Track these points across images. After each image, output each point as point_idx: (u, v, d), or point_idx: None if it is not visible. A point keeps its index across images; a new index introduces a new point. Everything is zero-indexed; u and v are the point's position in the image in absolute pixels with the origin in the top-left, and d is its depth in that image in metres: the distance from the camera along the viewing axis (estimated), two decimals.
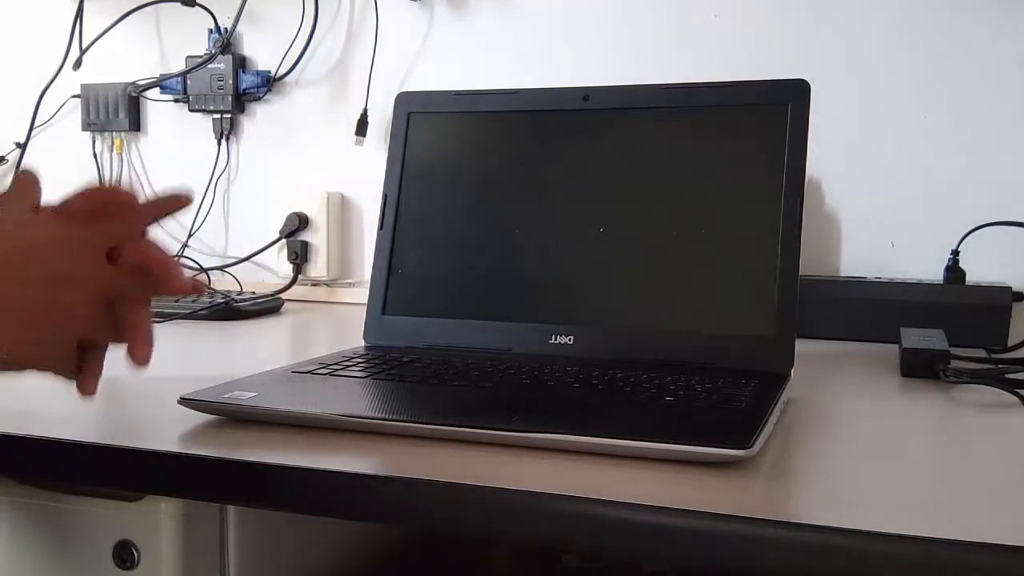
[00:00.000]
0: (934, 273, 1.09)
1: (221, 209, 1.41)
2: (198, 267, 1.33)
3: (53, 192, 0.62)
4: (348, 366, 0.74)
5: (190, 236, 1.41)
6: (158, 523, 0.60)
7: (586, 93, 0.84)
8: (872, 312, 1.02)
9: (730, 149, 0.79)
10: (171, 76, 1.39)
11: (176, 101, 1.42)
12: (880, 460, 0.56)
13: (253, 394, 0.64)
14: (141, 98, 1.44)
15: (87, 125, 1.46)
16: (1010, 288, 1.00)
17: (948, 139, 1.09)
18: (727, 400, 0.63)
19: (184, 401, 0.63)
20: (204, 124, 1.41)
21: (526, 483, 0.50)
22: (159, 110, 1.44)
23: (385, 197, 0.87)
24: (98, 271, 0.57)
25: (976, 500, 0.49)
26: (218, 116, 1.39)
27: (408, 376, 0.71)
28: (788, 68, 1.13)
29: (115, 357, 0.87)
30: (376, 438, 0.59)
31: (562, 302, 0.80)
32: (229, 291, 1.25)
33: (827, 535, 0.45)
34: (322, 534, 0.79)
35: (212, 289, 1.27)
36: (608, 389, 0.67)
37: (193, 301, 1.13)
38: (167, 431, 0.60)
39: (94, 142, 1.47)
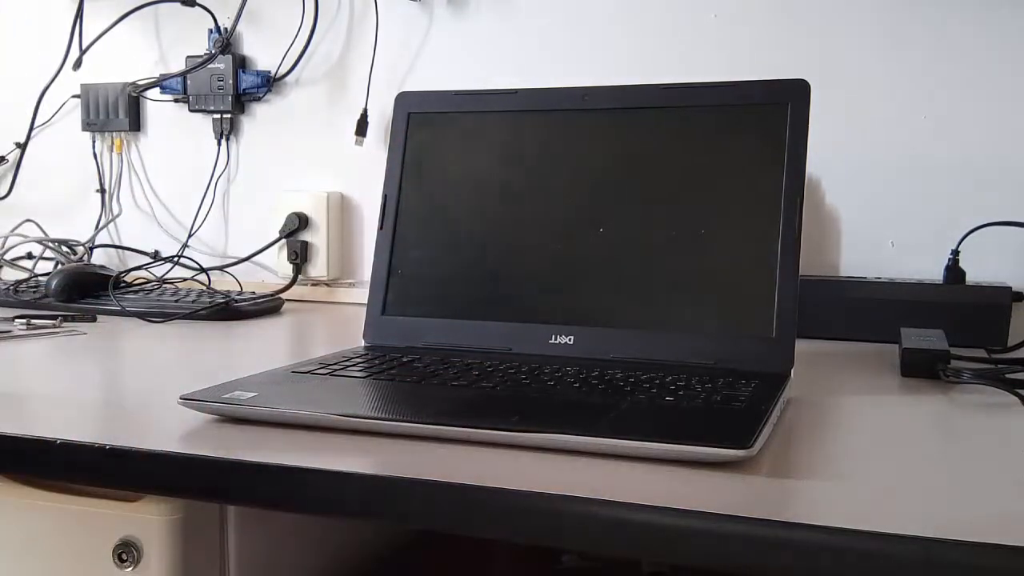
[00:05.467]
0: (934, 273, 1.09)
1: (221, 209, 1.41)
2: (198, 267, 1.33)
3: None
4: (348, 366, 0.74)
5: (190, 236, 1.41)
6: (158, 523, 0.60)
7: (586, 93, 0.84)
8: (872, 312, 1.02)
9: (730, 149, 0.79)
10: (171, 76, 1.39)
11: (176, 101, 1.42)
12: (880, 460, 0.56)
13: (253, 394, 0.64)
14: (141, 98, 1.44)
15: (87, 125, 1.46)
16: (1010, 288, 1.00)
17: (948, 139, 1.09)
18: (727, 400, 0.63)
19: (184, 401, 0.63)
20: (204, 124, 1.41)
21: (526, 483, 0.50)
22: (159, 110, 1.44)
23: (385, 197, 0.87)
24: None
25: (976, 500, 0.49)
26: (218, 116, 1.39)
27: (408, 376, 0.71)
28: (788, 68, 1.13)
29: (114, 356, 0.87)
30: (376, 438, 0.59)
31: (562, 302, 0.80)
32: (229, 291, 1.25)
33: (827, 535, 0.45)
34: (322, 534, 0.79)
35: (212, 289, 1.27)
36: (608, 389, 0.67)
37: (193, 301, 1.13)
38: (167, 431, 0.60)
39: (94, 142, 1.47)
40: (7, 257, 1.44)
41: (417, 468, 0.53)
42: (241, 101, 1.38)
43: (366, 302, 0.86)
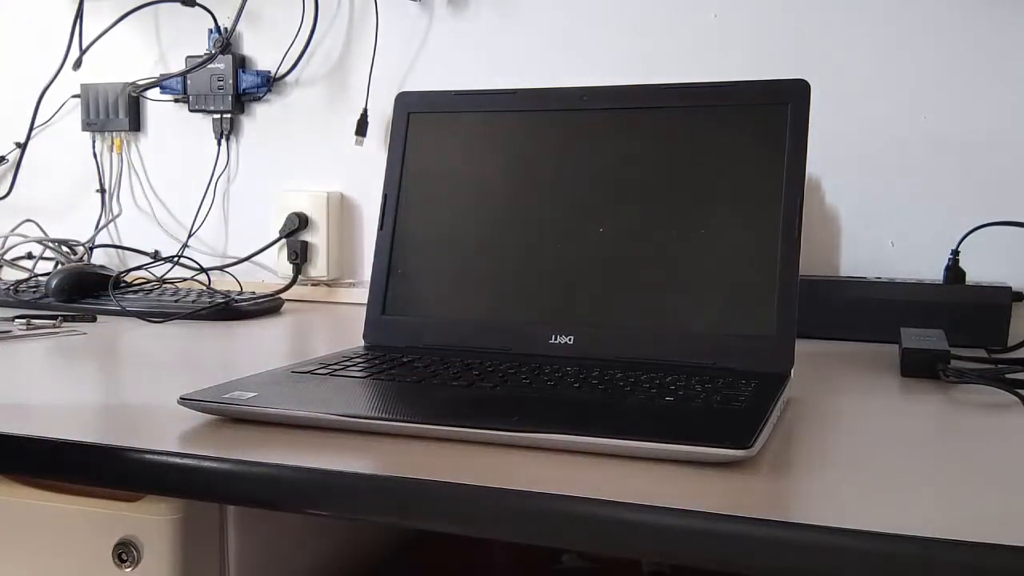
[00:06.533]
0: (934, 273, 1.09)
1: (221, 209, 1.41)
2: (198, 267, 1.33)
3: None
4: (348, 366, 0.74)
5: (190, 236, 1.41)
6: (158, 523, 0.60)
7: (586, 93, 0.84)
8: (872, 312, 1.02)
9: (730, 149, 0.79)
10: (171, 76, 1.39)
11: (176, 101, 1.42)
12: (880, 460, 0.56)
13: (253, 394, 0.64)
14: (141, 98, 1.45)
15: (87, 125, 1.46)
16: (1010, 288, 1.00)
17: (948, 139, 1.09)
18: (727, 400, 0.63)
19: (184, 401, 0.63)
20: (204, 124, 1.41)
21: (526, 483, 0.50)
22: (159, 110, 1.44)
23: (385, 197, 0.87)
24: None
25: (976, 500, 0.49)
26: (218, 116, 1.39)
27: (408, 376, 0.71)
28: (788, 68, 1.13)
29: (114, 356, 0.87)
30: (376, 438, 0.59)
31: (562, 302, 0.80)
32: (229, 291, 1.25)
33: (827, 535, 0.45)
34: (322, 534, 0.79)
35: (212, 289, 1.27)
36: (608, 389, 0.67)
37: (193, 301, 1.13)
38: (167, 431, 0.60)
39: (94, 142, 1.47)
40: (7, 257, 1.44)
41: (417, 468, 0.53)
42: (241, 101, 1.38)
43: (366, 302, 0.86)
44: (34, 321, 1.05)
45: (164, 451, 0.56)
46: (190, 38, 1.40)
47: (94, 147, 1.47)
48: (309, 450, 0.56)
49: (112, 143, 1.46)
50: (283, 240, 1.33)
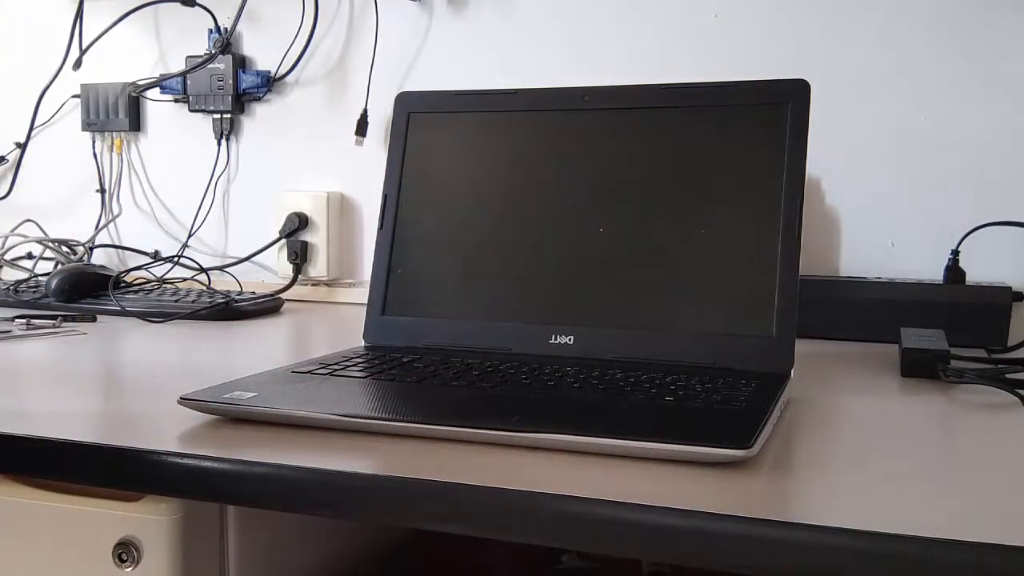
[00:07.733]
0: (934, 273, 1.09)
1: (221, 209, 1.41)
2: (198, 267, 1.33)
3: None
4: (348, 366, 0.74)
5: (190, 236, 1.41)
6: (158, 523, 0.60)
7: (585, 93, 0.84)
8: (872, 312, 1.02)
9: (730, 149, 0.79)
10: (171, 76, 1.39)
11: (176, 101, 1.42)
12: (880, 460, 0.56)
13: (253, 394, 0.64)
14: (141, 98, 1.44)
15: (87, 125, 1.46)
16: (1010, 288, 1.00)
17: (948, 139, 1.09)
18: (727, 400, 0.63)
19: (184, 401, 0.63)
20: (204, 124, 1.41)
21: (526, 483, 0.50)
22: (159, 110, 1.44)
23: (385, 197, 0.87)
24: None
25: (976, 500, 0.49)
26: (218, 116, 1.39)
27: (408, 376, 0.71)
28: (788, 68, 1.13)
29: (114, 356, 0.87)
30: (376, 438, 0.59)
31: (562, 302, 0.80)
32: (229, 291, 1.25)
33: (827, 535, 0.45)
34: (322, 534, 0.79)
35: (212, 289, 1.27)
36: (608, 389, 0.67)
37: (193, 301, 1.13)
38: (167, 431, 0.60)
39: (94, 142, 1.47)
40: (7, 257, 1.44)
41: (417, 468, 0.53)
42: (241, 101, 1.38)
43: (366, 302, 0.86)
44: (34, 321, 1.05)
45: (164, 451, 0.56)
46: (190, 38, 1.40)
47: (94, 147, 1.47)
48: (309, 450, 0.56)
49: (112, 143, 1.46)
50: (283, 240, 1.33)
